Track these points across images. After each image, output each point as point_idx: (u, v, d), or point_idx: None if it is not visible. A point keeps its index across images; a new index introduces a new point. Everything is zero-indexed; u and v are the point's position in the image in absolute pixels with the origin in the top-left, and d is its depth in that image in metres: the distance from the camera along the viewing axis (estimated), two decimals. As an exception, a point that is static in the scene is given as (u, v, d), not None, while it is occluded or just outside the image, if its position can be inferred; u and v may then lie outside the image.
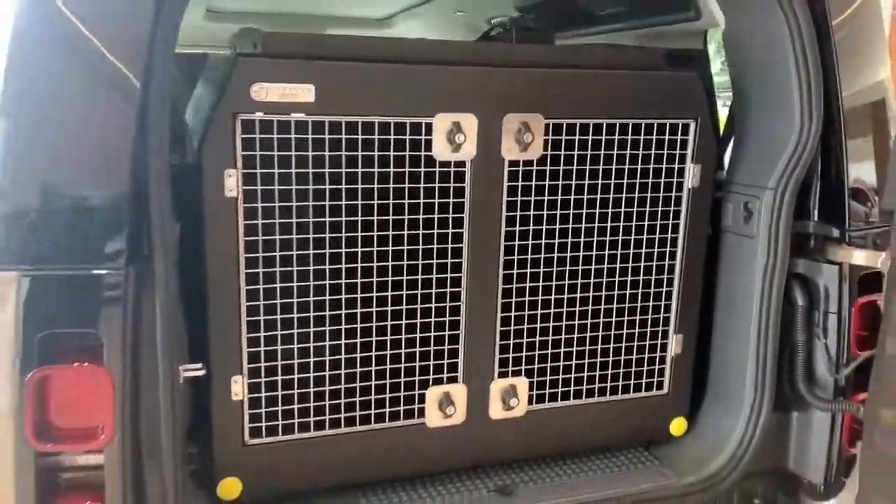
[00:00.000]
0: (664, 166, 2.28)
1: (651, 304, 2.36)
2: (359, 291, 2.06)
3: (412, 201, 2.06)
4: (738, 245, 2.35)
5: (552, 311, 2.25)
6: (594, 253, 2.26)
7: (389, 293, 2.09)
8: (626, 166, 2.24)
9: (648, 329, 2.38)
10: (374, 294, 2.07)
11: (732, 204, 2.38)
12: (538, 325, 2.25)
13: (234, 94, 1.84)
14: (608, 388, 2.37)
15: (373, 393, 2.13)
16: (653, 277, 2.34)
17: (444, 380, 2.19)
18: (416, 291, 2.11)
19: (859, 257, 2.19)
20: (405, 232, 2.06)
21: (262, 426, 2.04)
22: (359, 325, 2.07)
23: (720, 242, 2.42)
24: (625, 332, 2.35)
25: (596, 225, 2.24)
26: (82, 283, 1.60)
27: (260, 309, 1.97)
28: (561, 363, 2.30)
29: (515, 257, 2.18)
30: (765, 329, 2.29)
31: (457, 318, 2.16)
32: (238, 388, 1.99)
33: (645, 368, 2.41)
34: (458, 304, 2.16)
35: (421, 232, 2.08)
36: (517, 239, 2.17)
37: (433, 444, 2.21)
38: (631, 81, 2.21)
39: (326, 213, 1.98)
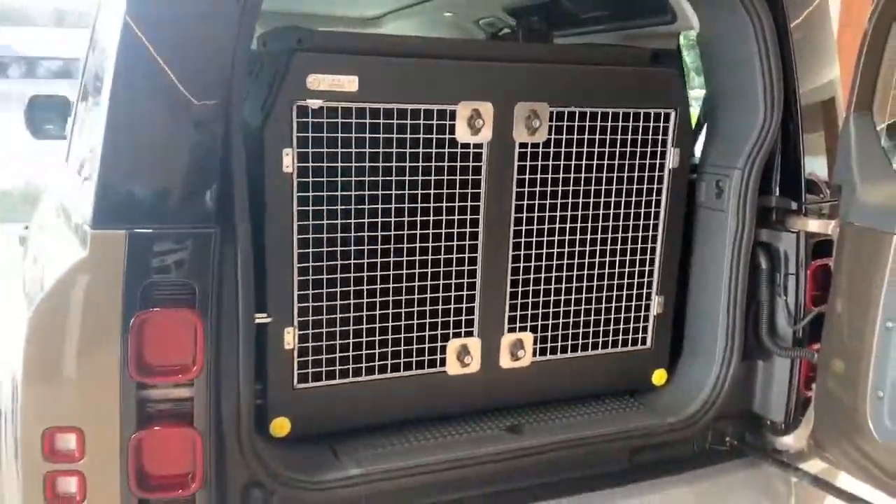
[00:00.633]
0: (649, 149, 2.63)
1: (637, 269, 2.70)
2: (392, 256, 2.36)
3: (438, 178, 2.38)
4: (711, 218, 2.71)
5: (553, 274, 2.58)
6: (590, 224, 2.60)
7: (417, 258, 2.40)
8: (618, 149, 2.57)
9: (634, 291, 2.72)
10: (405, 258, 2.38)
11: (706, 183, 2.74)
12: (542, 287, 2.58)
13: (291, 83, 2.14)
14: (600, 342, 2.71)
15: (402, 345, 2.44)
16: (639, 246, 2.69)
17: (462, 334, 2.50)
18: (439, 256, 2.43)
19: (813, 226, 2.56)
20: (431, 204, 2.38)
21: (308, 372, 2.34)
22: (391, 286, 2.38)
23: (695, 216, 2.78)
24: (614, 293, 2.69)
25: (591, 200, 2.58)
26: (180, 238, 1.90)
27: (309, 269, 2.27)
28: (560, 320, 2.63)
29: (523, 228, 2.51)
30: (734, 290, 2.65)
31: (473, 280, 2.48)
32: (290, 337, 2.28)
33: (631, 326, 2.75)
34: (474, 267, 2.48)
35: (444, 205, 2.40)
36: (525, 212, 2.50)
37: (453, 389, 2.52)
38: (622, 76, 2.56)
39: (366, 188, 2.29)
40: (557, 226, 2.55)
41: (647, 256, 2.72)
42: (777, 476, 2.70)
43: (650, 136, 2.62)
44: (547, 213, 2.53)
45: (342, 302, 2.33)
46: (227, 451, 2.04)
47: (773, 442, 2.74)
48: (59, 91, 4.45)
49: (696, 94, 3.66)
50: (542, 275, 2.57)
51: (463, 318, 2.50)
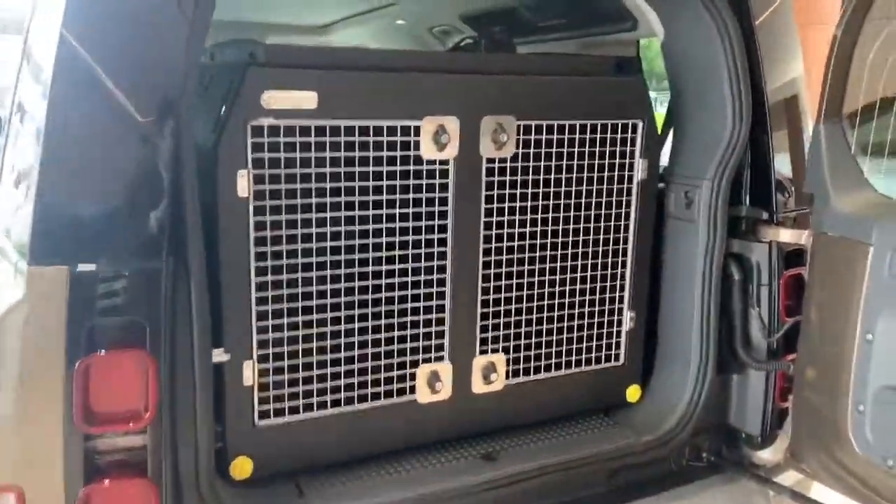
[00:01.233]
0: (617, 161, 2.56)
1: (608, 284, 2.64)
2: (356, 280, 2.24)
3: (403, 197, 2.26)
4: (682, 229, 2.66)
5: (525, 293, 2.49)
6: (560, 240, 2.52)
7: (383, 281, 2.28)
8: (586, 162, 2.50)
9: (606, 307, 2.65)
10: (370, 282, 2.26)
11: (675, 193, 2.69)
12: (513, 306, 2.48)
13: (245, 101, 2.00)
14: (573, 361, 2.63)
15: (369, 374, 2.31)
16: (609, 260, 2.62)
17: (433, 358, 2.39)
18: (406, 279, 2.31)
19: (786, 235, 2.53)
20: (397, 224, 2.26)
21: (270, 408, 2.19)
22: (356, 312, 2.26)
23: (664, 227, 2.72)
24: (586, 310, 2.62)
25: (561, 214, 2.49)
26: (129, 274, 1.74)
27: (268, 299, 2.13)
28: (533, 340, 2.54)
29: (493, 245, 2.41)
30: (707, 302, 2.60)
31: (442, 301, 2.37)
32: (249, 372, 2.14)
33: (604, 343, 2.68)
34: (443, 289, 2.37)
35: (411, 224, 2.28)
36: (494, 229, 2.40)
37: (424, 418, 2.41)
38: (587, 86, 2.48)
39: (328, 210, 2.16)
40: (527, 242, 2.47)
41: (619, 270, 2.65)
42: (756, 491, 2.65)
43: (618, 148, 2.55)
44: (516, 230, 2.44)
45: (304, 332, 2.20)
46: (185, 502, 1.88)
47: (751, 456, 2.70)
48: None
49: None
50: (514, 293, 2.48)
51: (433, 342, 2.39)
